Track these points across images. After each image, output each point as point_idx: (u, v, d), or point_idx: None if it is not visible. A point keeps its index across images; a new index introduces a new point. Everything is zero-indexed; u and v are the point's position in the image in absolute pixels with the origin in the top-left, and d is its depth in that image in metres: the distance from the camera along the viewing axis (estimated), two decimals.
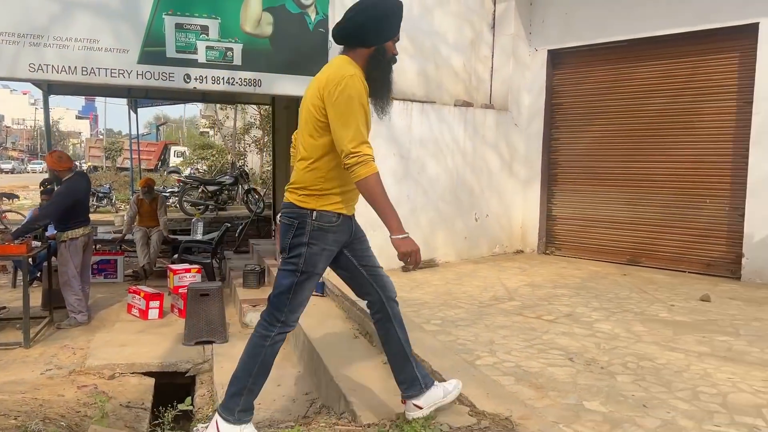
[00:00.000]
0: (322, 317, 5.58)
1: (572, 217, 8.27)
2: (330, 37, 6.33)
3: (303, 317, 5.63)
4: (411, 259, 2.72)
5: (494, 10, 8.28)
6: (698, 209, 7.07)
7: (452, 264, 7.44)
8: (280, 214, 2.87)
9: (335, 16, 6.48)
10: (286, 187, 2.88)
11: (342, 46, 2.81)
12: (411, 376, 2.96)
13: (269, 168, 17.95)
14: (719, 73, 6.90)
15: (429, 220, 7.27)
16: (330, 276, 6.47)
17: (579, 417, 2.97)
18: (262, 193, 14.96)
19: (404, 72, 7.25)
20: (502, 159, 8.21)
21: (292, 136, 3.12)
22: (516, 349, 4.03)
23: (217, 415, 2.84)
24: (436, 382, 3.02)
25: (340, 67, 2.67)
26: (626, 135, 7.66)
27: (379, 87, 2.80)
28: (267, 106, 15.01)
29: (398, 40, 2.87)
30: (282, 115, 10.40)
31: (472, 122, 7.71)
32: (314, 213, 2.74)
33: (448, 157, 7.45)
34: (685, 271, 7.09)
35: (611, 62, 7.78)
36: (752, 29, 6.52)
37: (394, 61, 2.86)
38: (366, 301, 3.06)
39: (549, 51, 8.23)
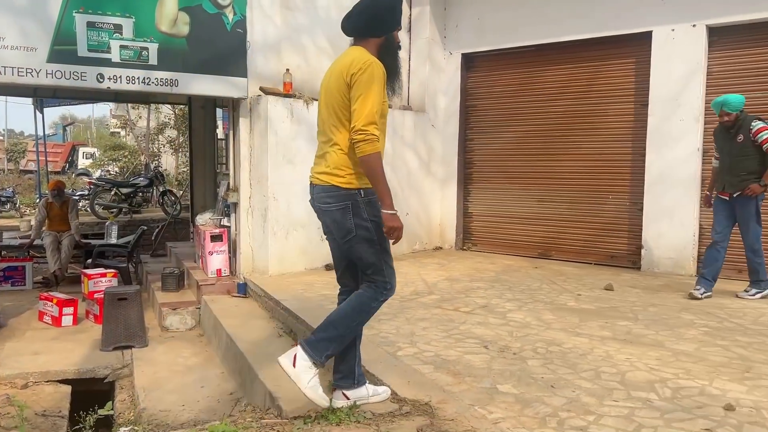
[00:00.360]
0: (245, 318, 5.60)
1: (487, 214, 8.61)
2: (248, 38, 6.34)
3: (225, 318, 5.63)
4: (395, 233, 2.92)
5: (410, 14, 8.51)
6: (602, 205, 7.55)
7: None
8: (320, 201, 2.99)
9: (253, 17, 6.49)
10: (318, 172, 2.99)
11: (352, 38, 3.08)
12: (349, 370, 3.13)
13: (185, 169, 17.53)
14: (619, 77, 7.40)
15: None
16: (253, 277, 6.50)
17: (493, 399, 3.17)
18: (178, 195, 14.61)
19: (324, 73, 7.32)
20: (420, 159, 8.45)
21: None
22: (435, 340, 4.22)
23: (299, 348, 2.96)
24: (367, 383, 3.20)
25: (361, 54, 2.89)
26: (536, 135, 8.07)
27: (392, 71, 3.02)
28: (183, 106, 14.68)
29: (401, 29, 3.14)
30: (199, 114, 10.23)
31: (392, 123, 7.84)
32: (361, 191, 2.93)
33: None
34: (591, 263, 7.55)
35: (521, 66, 8.17)
36: (647, 37, 7.04)
37: (400, 48, 3.12)
38: (342, 285, 3.28)
39: (463, 55, 8.54)
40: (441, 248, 8.81)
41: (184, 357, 5.52)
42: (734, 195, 5.49)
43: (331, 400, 3.11)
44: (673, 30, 6.84)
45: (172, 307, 6.43)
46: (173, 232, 11.03)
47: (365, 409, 3.00)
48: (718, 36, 6.74)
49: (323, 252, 7.02)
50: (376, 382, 3.41)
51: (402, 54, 8.41)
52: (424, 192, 8.56)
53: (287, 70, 6.70)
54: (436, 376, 3.49)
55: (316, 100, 6.96)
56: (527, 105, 8.13)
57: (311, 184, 3.06)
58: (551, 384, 3.38)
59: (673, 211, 6.84)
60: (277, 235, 6.56)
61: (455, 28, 8.54)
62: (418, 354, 3.91)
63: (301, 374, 2.93)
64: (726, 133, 5.55)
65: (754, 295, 5.54)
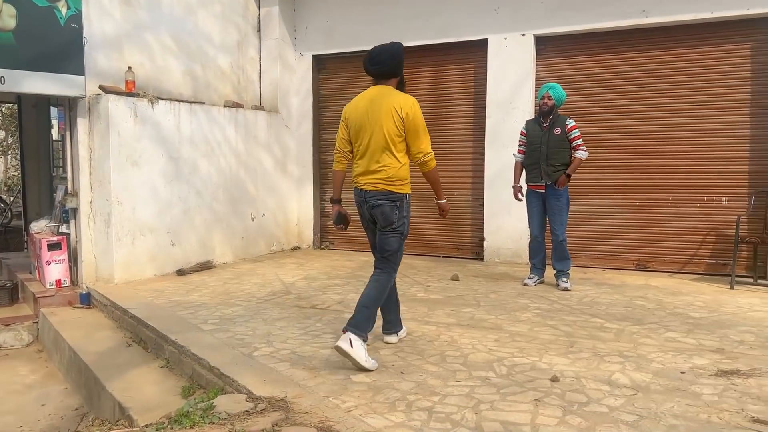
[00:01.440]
0: (90, 329, 5.31)
1: None
2: (84, 33, 6.00)
3: (67, 330, 5.32)
4: (446, 214, 4.25)
5: (259, 14, 8.46)
6: (448, 201, 7.98)
7: (230, 264, 7.48)
8: (375, 201, 3.89)
9: (90, 11, 6.14)
10: (374, 182, 3.88)
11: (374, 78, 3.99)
12: (396, 319, 4.31)
13: (16, 173, 16.05)
14: (460, 81, 7.90)
15: (204, 221, 7.23)
16: (97, 286, 6.15)
17: (347, 389, 3.30)
18: (8, 201, 13.35)
19: (170, 71, 7.11)
20: (275, 159, 8.44)
21: (338, 148, 4.10)
22: (292, 338, 4.28)
23: (350, 333, 3.64)
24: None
25: (400, 94, 3.89)
26: None
27: None
28: (11, 104, 13.42)
29: None
30: (30, 114, 9.43)
31: (244, 123, 7.82)
32: (407, 195, 3.97)
33: (220, 158, 7.47)
34: (440, 256, 7.99)
35: None
36: (483, 44, 7.58)
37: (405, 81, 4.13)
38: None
39: (314, 56, 8.65)
40: (299, 248, 8.86)
41: (21, 375, 5.11)
42: (548, 185, 6.05)
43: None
44: (505, 38, 7.42)
45: (4, 323, 5.92)
46: (4, 242, 10.08)
47: (219, 410, 3.00)
48: (544, 45, 7.43)
49: (175, 257, 6.83)
50: (231, 383, 3.42)
51: (252, 53, 8.40)
52: (281, 192, 8.57)
53: (129, 68, 6.40)
54: (292, 372, 3.56)
55: (163, 99, 6.74)
56: None
57: (363, 190, 3.94)
58: (401, 370, 3.59)
59: (510, 206, 7.39)
60: (122, 241, 6.25)
61: (305, 30, 8.63)
62: (275, 353, 3.95)
63: (359, 351, 3.60)
64: (539, 126, 6.06)
65: (570, 284, 6.10)
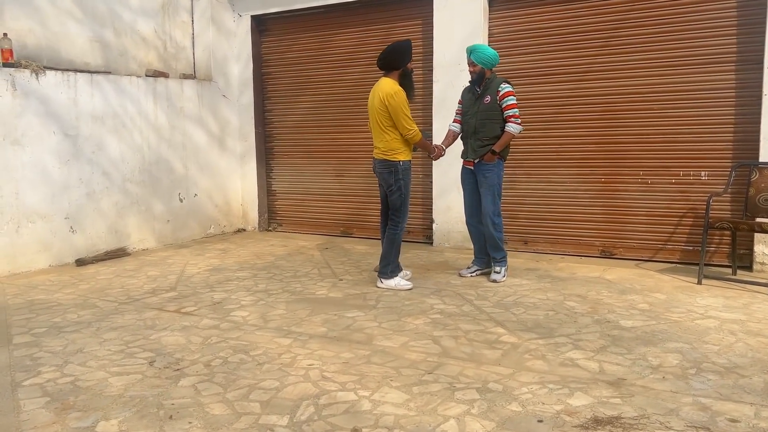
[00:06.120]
0: None
1: (291, 191, 8.00)
2: None
3: None
4: (437, 154, 5.23)
5: None
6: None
7: (150, 251, 6.81)
8: (380, 168, 4.95)
9: None
10: (378, 153, 4.95)
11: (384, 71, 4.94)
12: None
13: None
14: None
15: (114, 205, 6.53)
16: None
17: None
18: None
19: (70, 38, 6.37)
20: (210, 133, 7.66)
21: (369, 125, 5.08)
22: (99, 358, 3.53)
23: (379, 278, 5.02)
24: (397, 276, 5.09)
25: (389, 86, 4.76)
26: (331, 105, 7.49)
27: (408, 87, 4.91)
28: None
29: (412, 60, 4.97)
30: None
31: (165, 94, 7.04)
32: (401, 162, 4.89)
33: (134, 134, 6.73)
34: None
35: (312, 29, 7.51)
36: None
37: (412, 71, 5.01)
38: (384, 208, 5.16)
39: (253, 17, 7.76)
40: (244, 230, 8.13)
41: None
42: (476, 161, 5.13)
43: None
44: None
45: None
46: None
47: None
48: None
49: (77, 245, 6.19)
50: None
51: (184, 17, 7.58)
52: (220, 170, 7.81)
53: (5, 34, 5.67)
54: (36, 415, 2.80)
55: (50, 68, 6.01)
56: (321, 72, 7.51)
57: (375, 159, 5.01)
58: (172, 414, 2.78)
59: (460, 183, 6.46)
60: (2, 230, 5.62)
61: None
62: (52, 381, 3.19)
63: (389, 284, 4.96)
64: (472, 93, 5.14)
65: (504, 275, 5.20)
